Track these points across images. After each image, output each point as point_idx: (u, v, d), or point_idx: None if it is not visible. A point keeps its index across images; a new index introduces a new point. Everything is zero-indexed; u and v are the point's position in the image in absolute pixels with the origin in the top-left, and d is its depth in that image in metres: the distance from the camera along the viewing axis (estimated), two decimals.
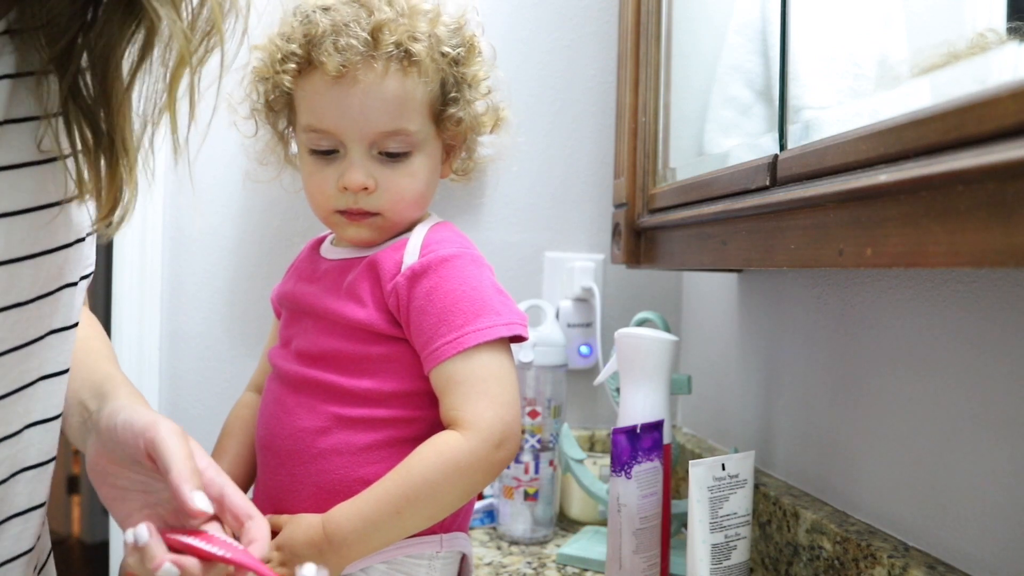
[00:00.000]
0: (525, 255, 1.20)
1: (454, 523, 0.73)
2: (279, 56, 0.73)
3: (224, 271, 1.13)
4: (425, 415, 0.70)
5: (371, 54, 0.69)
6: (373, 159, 0.72)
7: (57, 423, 0.55)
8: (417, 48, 0.71)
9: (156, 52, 0.48)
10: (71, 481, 3.26)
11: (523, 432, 0.96)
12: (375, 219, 0.73)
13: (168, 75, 0.49)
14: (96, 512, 3.03)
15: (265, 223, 1.13)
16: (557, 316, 1.14)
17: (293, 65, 0.72)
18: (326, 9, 0.71)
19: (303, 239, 0.87)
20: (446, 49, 0.74)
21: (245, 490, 0.81)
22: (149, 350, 1.09)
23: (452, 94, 0.75)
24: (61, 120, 0.48)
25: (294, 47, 0.71)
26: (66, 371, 0.54)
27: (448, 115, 0.75)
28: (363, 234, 0.74)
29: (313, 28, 0.70)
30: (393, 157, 0.72)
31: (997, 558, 0.59)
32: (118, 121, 0.49)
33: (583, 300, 1.18)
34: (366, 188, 0.71)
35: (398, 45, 0.70)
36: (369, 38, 0.69)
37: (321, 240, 0.83)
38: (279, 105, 0.77)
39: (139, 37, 0.48)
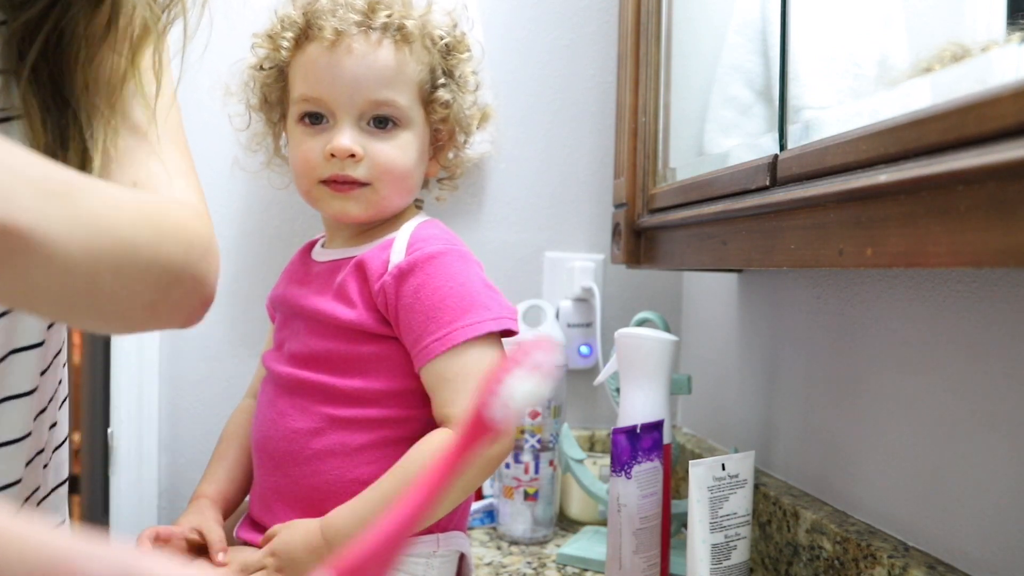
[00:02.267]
0: (525, 255, 1.20)
1: (451, 522, 0.73)
2: (278, 28, 0.75)
3: (223, 271, 1.13)
4: (418, 414, 0.70)
5: (367, 24, 0.72)
6: (362, 130, 0.73)
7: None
8: (410, 25, 0.73)
9: (121, 23, 0.48)
10: (72, 481, 3.26)
11: (522, 431, 0.96)
12: (363, 191, 0.73)
13: (132, 44, 0.49)
14: (96, 512, 3.03)
15: (264, 224, 1.13)
16: (557, 316, 1.14)
17: (291, 34, 0.74)
18: None
19: (301, 240, 0.87)
20: (438, 33, 0.76)
21: (245, 493, 0.81)
22: (149, 350, 1.09)
23: (441, 81, 0.76)
24: (24, 81, 0.48)
25: (294, 16, 0.74)
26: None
27: (435, 97, 0.76)
28: (349, 208, 0.74)
29: (313, 3, 0.73)
30: (382, 128, 0.74)
31: (997, 558, 0.59)
32: (80, 90, 0.49)
33: (583, 300, 1.18)
34: (353, 155, 0.72)
35: (391, 18, 0.73)
36: (366, 7, 0.72)
37: (312, 244, 0.83)
38: (274, 94, 0.78)
39: (105, 7, 0.48)
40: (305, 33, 0.74)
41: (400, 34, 0.73)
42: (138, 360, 1.08)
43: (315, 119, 0.74)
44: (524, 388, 0.28)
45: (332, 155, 0.72)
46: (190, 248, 0.46)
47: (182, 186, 0.51)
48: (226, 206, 1.13)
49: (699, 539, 0.71)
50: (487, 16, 1.15)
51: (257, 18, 0.81)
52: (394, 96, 0.73)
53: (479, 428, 0.28)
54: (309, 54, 0.73)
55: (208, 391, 1.12)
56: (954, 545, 0.63)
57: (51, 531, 0.25)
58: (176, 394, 1.12)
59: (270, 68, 0.77)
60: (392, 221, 0.77)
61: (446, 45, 0.77)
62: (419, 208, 0.82)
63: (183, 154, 0.53)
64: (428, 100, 0.76)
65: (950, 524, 0.63)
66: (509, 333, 0.71)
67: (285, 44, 0.74)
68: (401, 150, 0.74)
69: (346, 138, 0.72)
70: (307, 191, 0.76)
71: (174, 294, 0.46)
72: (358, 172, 0.73)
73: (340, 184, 0.73)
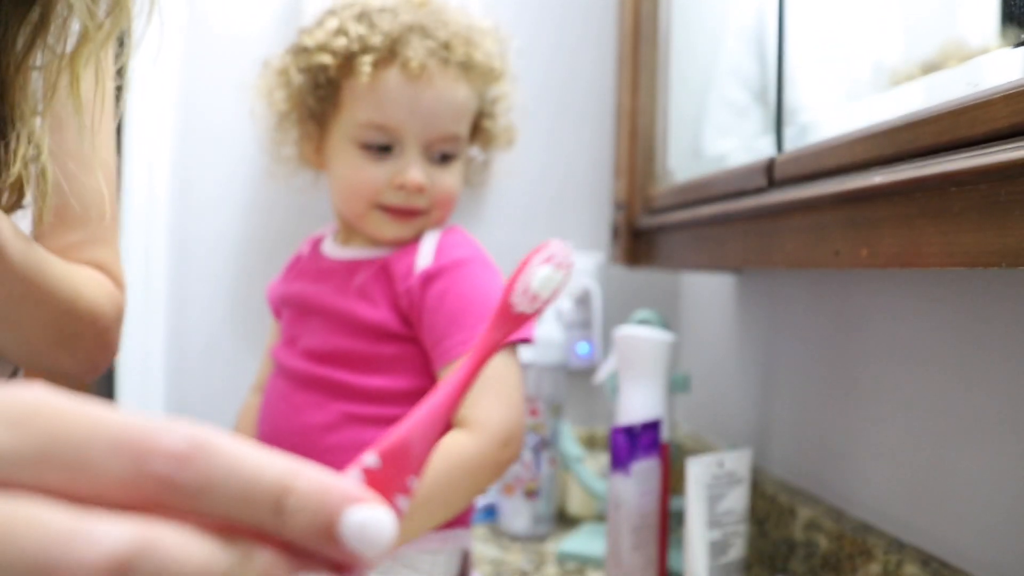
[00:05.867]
0: (525, 255, 1.21)
1: (456, 520, 0.73)
2: (355, 47, 0.72)
3: (228, 269, 1.14)
4: None
5: (445, 57, 0.72)
6: (426, 160, 0.74)
7: None
8: (479, 59, 0.74)
9: (53, 29, 0.46)
10: None
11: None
12: (420, 219, 0.75)
13: (69, 53, 0.46)
14: None
15: (268, 224, 1.14)
16: (557, 316, 1.14)
17: (371, 57, 0.72)
18: (395, 12, 0.73)
19: (305, 237, 0.88)
20: (494, 65, 0.77)
21: None
22: (154, 347, 1.10)
23: (487, 107, 0.78)
24: None
25: (373, 40, 0.72)
26: None
27: (483, 127, 0.80)
28: (404, 232, 0.76)
29: (393, 29, 0.72)
30: (443, 160, 0.75)
31: (991, 554, 0.59)
32: (12, 100, 0.46)
33: (582, 300, 1.19)
34: (422, 189, 0.73)
35: (466, 54, 0.73)
36: (448, 39, 0.72)
37: (320, 238, 0.83)
38: (320, 102, 0.76)
39: (35, 15, 0.45)
40: (388, 56, 0.72)
41: (471, 69, 0.74)
42: (143, 358, 1.09)
43: (382, 147, 0.74)
44: (542, 275, 0.32)
45: (401, 186, 0.73)
46: (95, 319, 0.54)
47: (100, 255, 0.58)
48: (234, 206, 1.13)
49: (697, 536, 0.72)
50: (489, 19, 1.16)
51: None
52: (461, 130, 0.75)
53: (506, 319, 0.31)
54: (387, 81, 0.72)
55: (214, 389, 1.13)
56: (948, 541, 0.63)
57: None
58: (182, 392, 1.12)
59: (326, 83, 0.75)
60: None
61: (497, 75, 0.79)
62: None
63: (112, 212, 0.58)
64: (475, 128, 0.79)
65: (944, 520, 0.64)
66: (526, 341, 0.73)
67: (366, 69, 0.71)
68: (457, 179, 0.76)
69: (419, 172, 0.73)
70: (361, 214, 0.75)
71: (74, 348, 0.53)
72: (421, 202, 0.74)
73: (403, 214, 0.74)
